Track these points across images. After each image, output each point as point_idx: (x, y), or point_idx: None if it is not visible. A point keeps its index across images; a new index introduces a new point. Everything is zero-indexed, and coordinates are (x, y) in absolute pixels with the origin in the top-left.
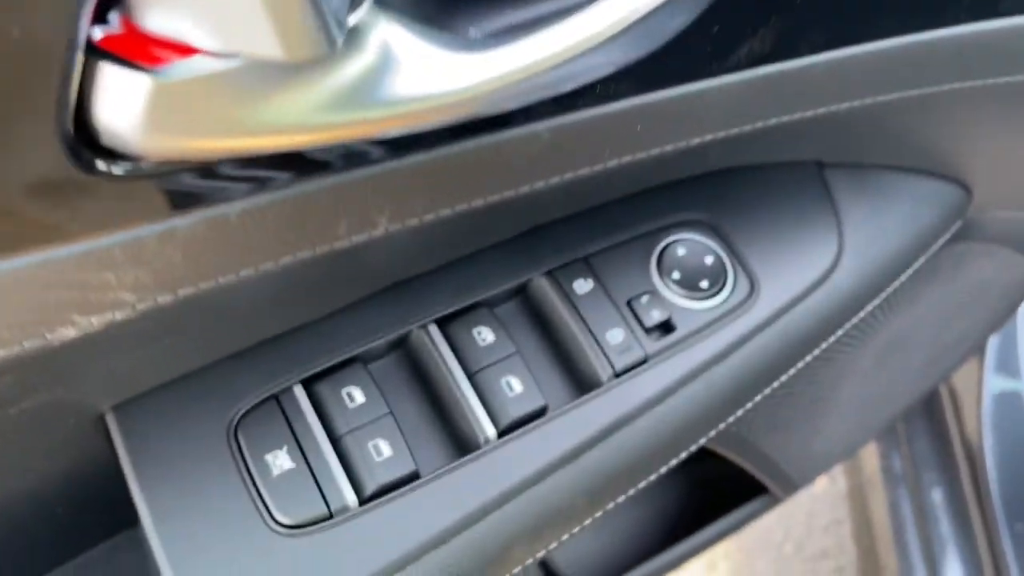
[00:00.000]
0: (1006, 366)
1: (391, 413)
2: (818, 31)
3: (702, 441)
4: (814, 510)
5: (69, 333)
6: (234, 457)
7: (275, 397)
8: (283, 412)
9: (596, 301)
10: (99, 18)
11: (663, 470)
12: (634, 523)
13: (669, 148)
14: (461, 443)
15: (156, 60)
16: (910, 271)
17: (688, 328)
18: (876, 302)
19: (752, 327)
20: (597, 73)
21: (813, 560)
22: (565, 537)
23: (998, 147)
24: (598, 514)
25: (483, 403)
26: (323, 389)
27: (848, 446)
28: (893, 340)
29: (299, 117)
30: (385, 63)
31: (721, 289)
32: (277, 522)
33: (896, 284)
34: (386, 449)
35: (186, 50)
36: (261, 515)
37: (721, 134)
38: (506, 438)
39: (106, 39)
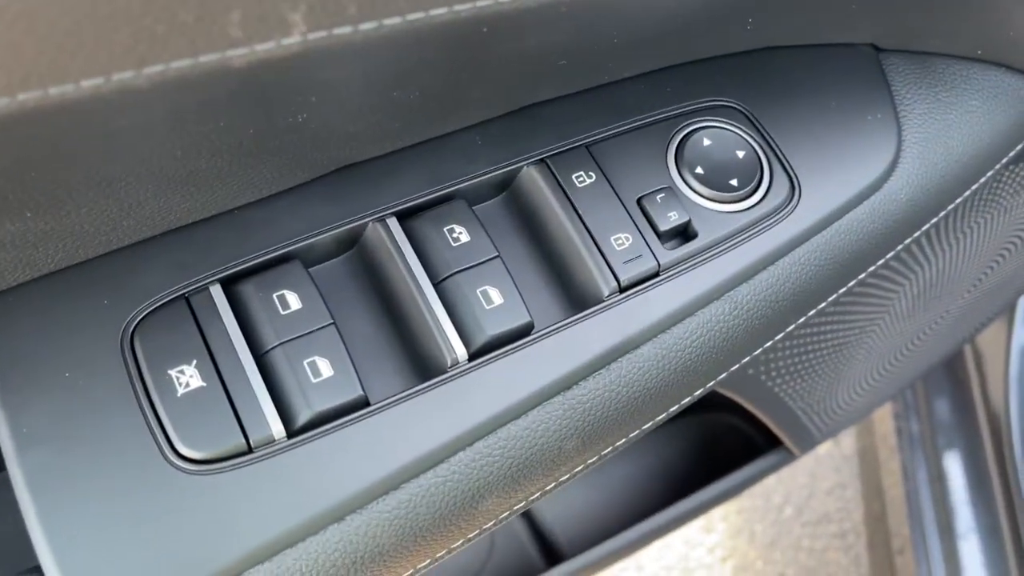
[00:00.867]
0: None
1: (334, 324)
2: None
3: (715, 381)
4: (817, 472)
5: None
6: (128, 370)
7: (184, 298)
8: (194, 317)
9: (599, 197)
10: None
11: (669, 413)
12: (630, 478)
13: None
14: (423, 365)
15: None
16: (976, 185)
17: (711, 235)
18: (935, 220)
19: (788, 239)
20: None
21: (814, 524)
22: (550, 488)
23: None
24: (591, 461)
25: (452, 317)
26: (248, 290)
27: (871, 401)
28: (933, 282)
29: None
30: None
31: (756, 190)
32: (180, 455)
33: (960, 200)
34: (325, 368)
35: None
36: (159, 446)
37: None
38: (479, 360)
39: None
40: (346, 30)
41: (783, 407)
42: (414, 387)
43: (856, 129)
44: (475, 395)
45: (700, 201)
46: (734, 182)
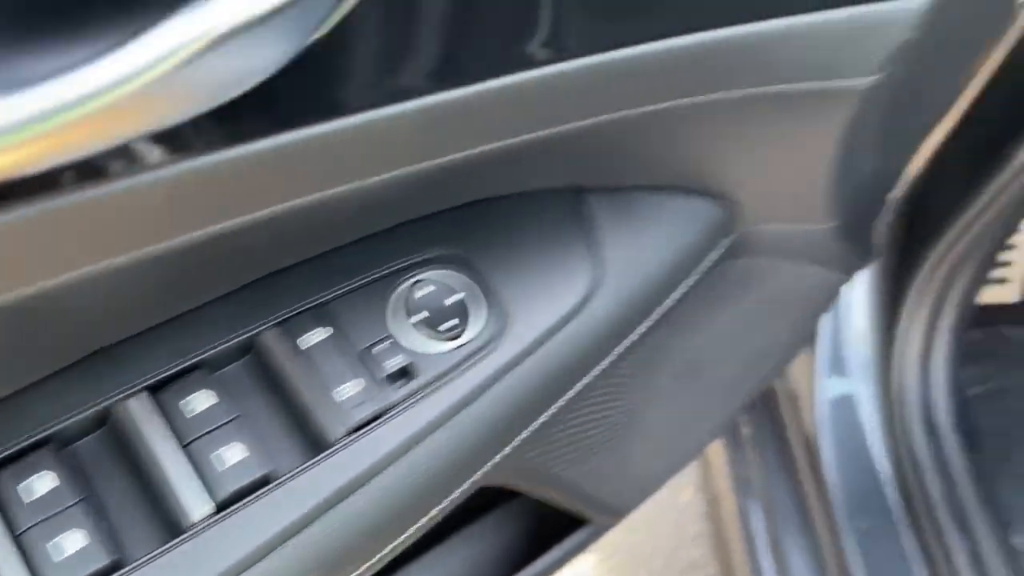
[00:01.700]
0: (837, 366)
1: (83, 500)
2: (566, 36)
3: (464, 487)
4: (681, 521)
5: None
6: None
7: None
8: None
9: (329, 352)
10: None
11: (420, 525)
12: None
13: (407, 170)
14: (175, 523)
15: None
16: (678, 293)
17: (430, 373)
18: (643, 328)
19: (500, 365)
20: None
21: (683, 572)
22: None
23: (759, 161)
24: None
25: (201, 476)
26: (2, 478)
27: (669, 465)
28: (690, 361)
29: None
30: None
31: (470, 327)
32: None
33: (665, 307)
34: (79, 540)
35: None
36: None
37: (460, 155)
38: (222, 514)
39: None
40: (89, 269)
41: (575, 487)
42: (161, 547)
43: (560, 263)
44: (217, 547)
45: (418, 345)
46: (451, 323)
